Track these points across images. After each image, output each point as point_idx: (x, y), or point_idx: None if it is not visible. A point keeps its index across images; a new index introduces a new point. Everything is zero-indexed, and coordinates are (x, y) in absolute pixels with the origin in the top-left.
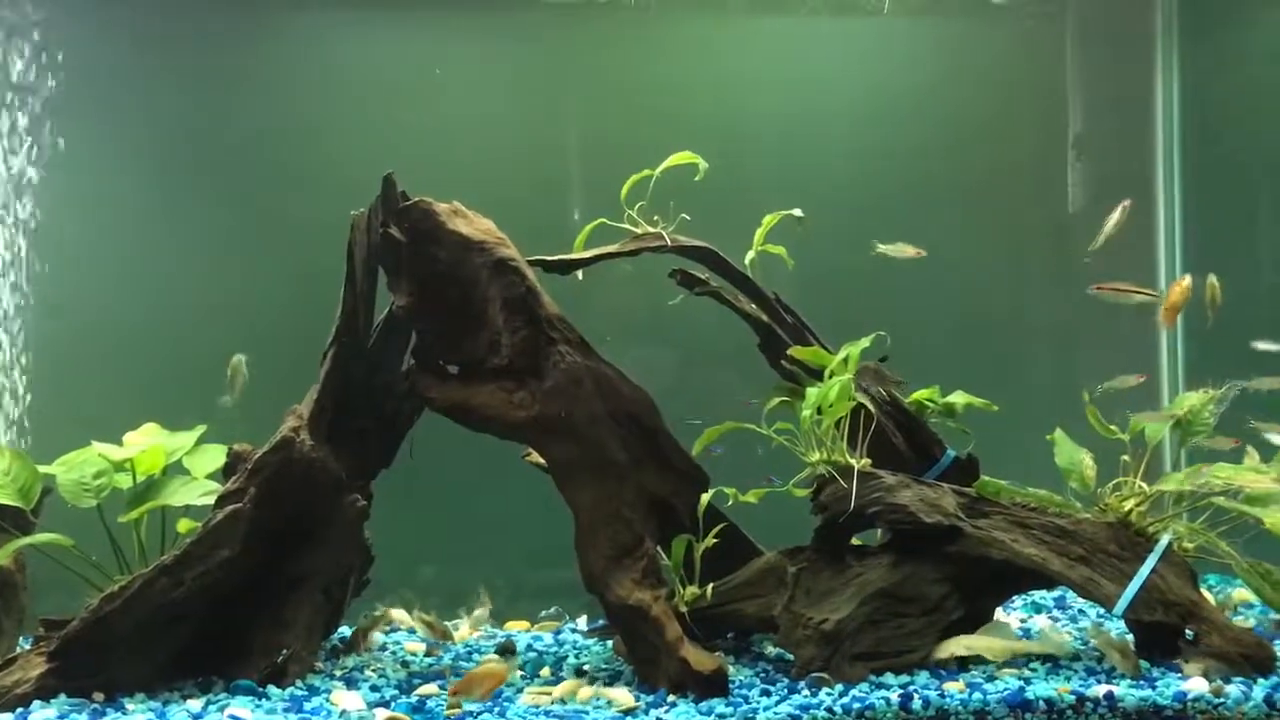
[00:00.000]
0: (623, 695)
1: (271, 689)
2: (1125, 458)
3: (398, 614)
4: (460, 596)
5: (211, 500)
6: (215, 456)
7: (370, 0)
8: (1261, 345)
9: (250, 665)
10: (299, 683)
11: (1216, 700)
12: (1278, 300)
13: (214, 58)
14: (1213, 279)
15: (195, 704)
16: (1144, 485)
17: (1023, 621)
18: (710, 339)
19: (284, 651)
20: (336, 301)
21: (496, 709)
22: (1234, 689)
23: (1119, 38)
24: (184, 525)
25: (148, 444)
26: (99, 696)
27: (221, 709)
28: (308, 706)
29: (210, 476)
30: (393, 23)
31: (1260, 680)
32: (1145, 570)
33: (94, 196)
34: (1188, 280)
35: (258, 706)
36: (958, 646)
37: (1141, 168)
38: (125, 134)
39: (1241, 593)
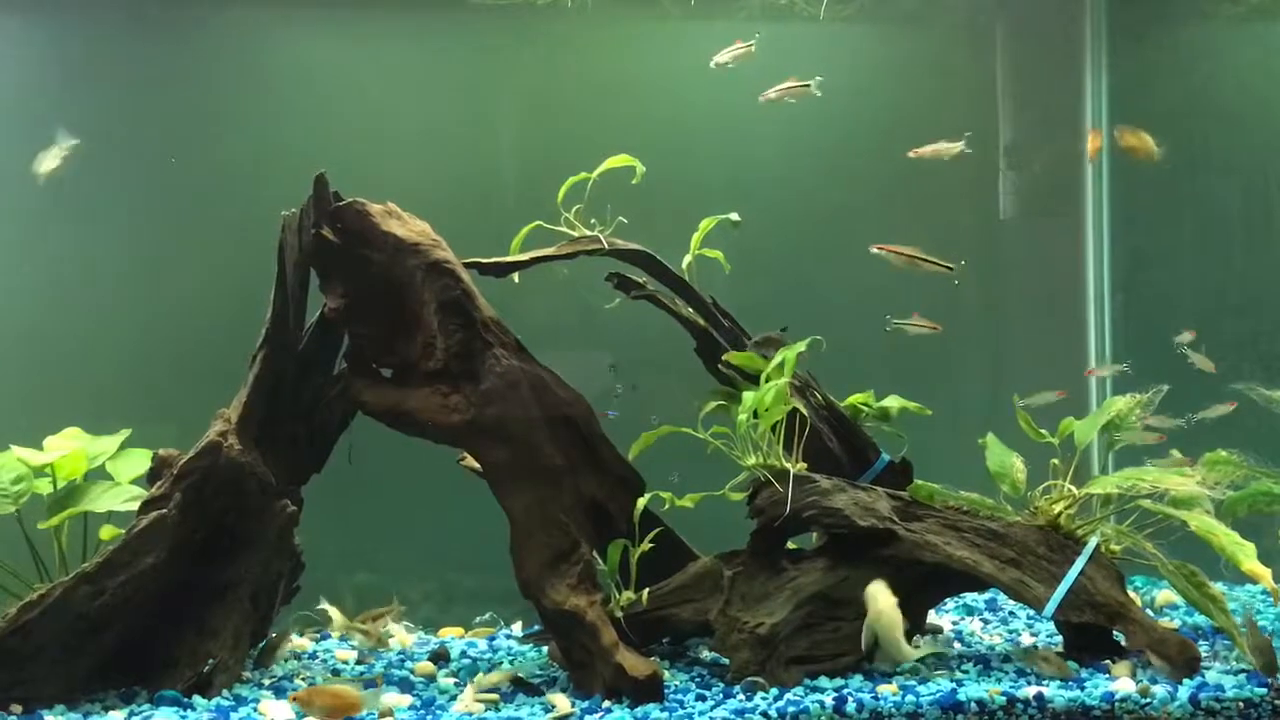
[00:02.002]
0: (560, 700)
1: (197, 699)
2: (1055, 461)
3: (332, 615)
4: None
5: (135, 506)
6: (140, 461)
7: None
8: (1186, 342)
9: (175, 675)
10: (225, 692)
11: (1143, 700)
12: (1205, 305)
13: (140, 53)
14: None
15: (118, 715)
16: (1073, 488)
17: (955, 624)
18: (647, 343)
19: (210, 661)
20: (268, 303)
21: (429, 717)
22: (1161, 689)
23: (1048, 46)
24: (107, 532)
25: (69, 448)
26: (17, 709)
27: None
28: (234, 717)
29: (134, 482)
30: (326, 21)
31: (1186, 680)
32: (1074, 572)
33: (9, 195)
34: (1100, 133)
35: (183, 717)
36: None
37: (1071, 174)
38: (43, 129)
39: (1167, 594)
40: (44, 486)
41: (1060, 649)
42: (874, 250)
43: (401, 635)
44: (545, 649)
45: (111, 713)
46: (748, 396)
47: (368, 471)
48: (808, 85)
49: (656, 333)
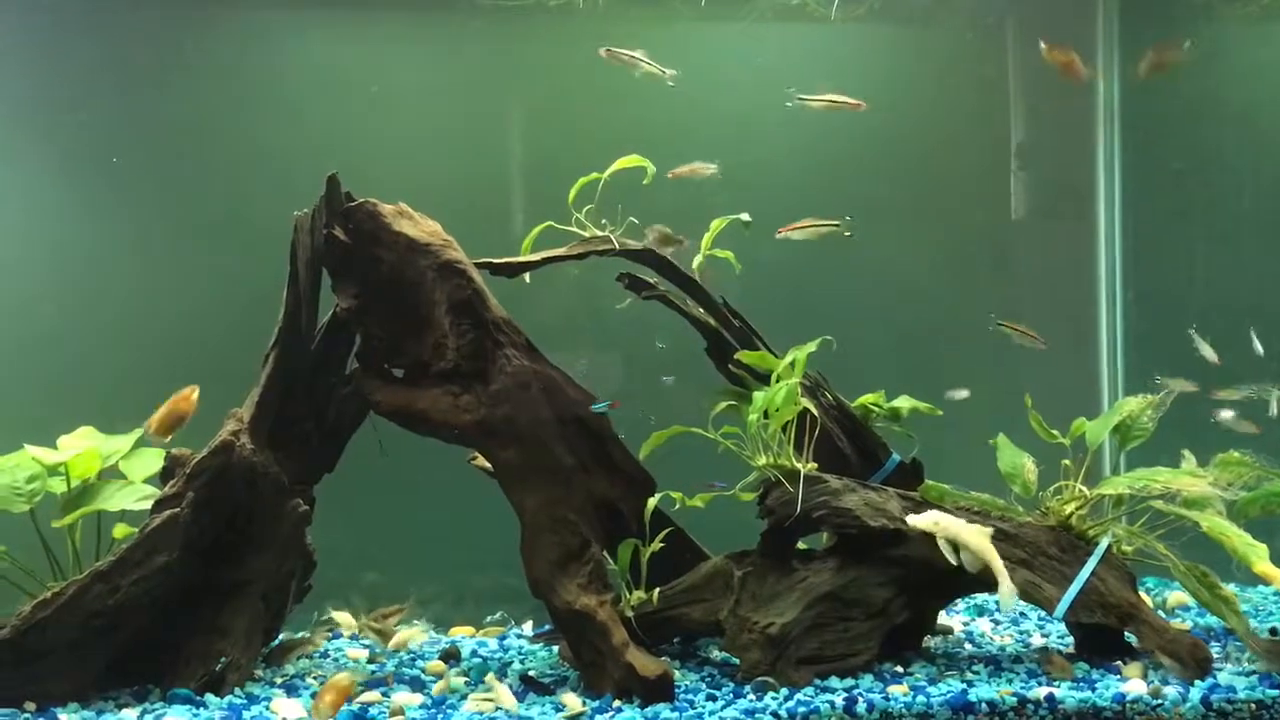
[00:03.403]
0: (571, 700)
1: (209, 697)
2: (1066, 462)
3: (341, 617)
4: (403, 602)
5: (148, 505)
6: (153, 460)
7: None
8: (1200, 343)
9: (188, 673)
10: (238, 691)
11: (1155, 701)
12: (1214, 306)
13: (153, 55)
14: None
15: (131, 713)
16: (1084, 489)
17: (966, 625)
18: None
19: (223, 659)
20: (279, 303)
21: (440, 716)
22: (1172, 690)
23: (1060, 47)
24: (120, 531)
25: (83, 447)
26: (30, 706)
27: (158, 718)
28: (247, 715)
29: (148, 481)
30: (338, 23)
31: (1197, 681)
32: (1085, 573)
33: (24, 194)
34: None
35: (195, 715)
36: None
37: (1082, 175)
38: (55, 129)
39: (1178, 595)
40: (58, 485)
41: (1072, 650)
42: (779, 236)
43: (405, 634)
44: (556, 648)
45: (125, 710)
46: (758, 396)
47: (379, 471)
48: (663, 72)
49: (666, 333)
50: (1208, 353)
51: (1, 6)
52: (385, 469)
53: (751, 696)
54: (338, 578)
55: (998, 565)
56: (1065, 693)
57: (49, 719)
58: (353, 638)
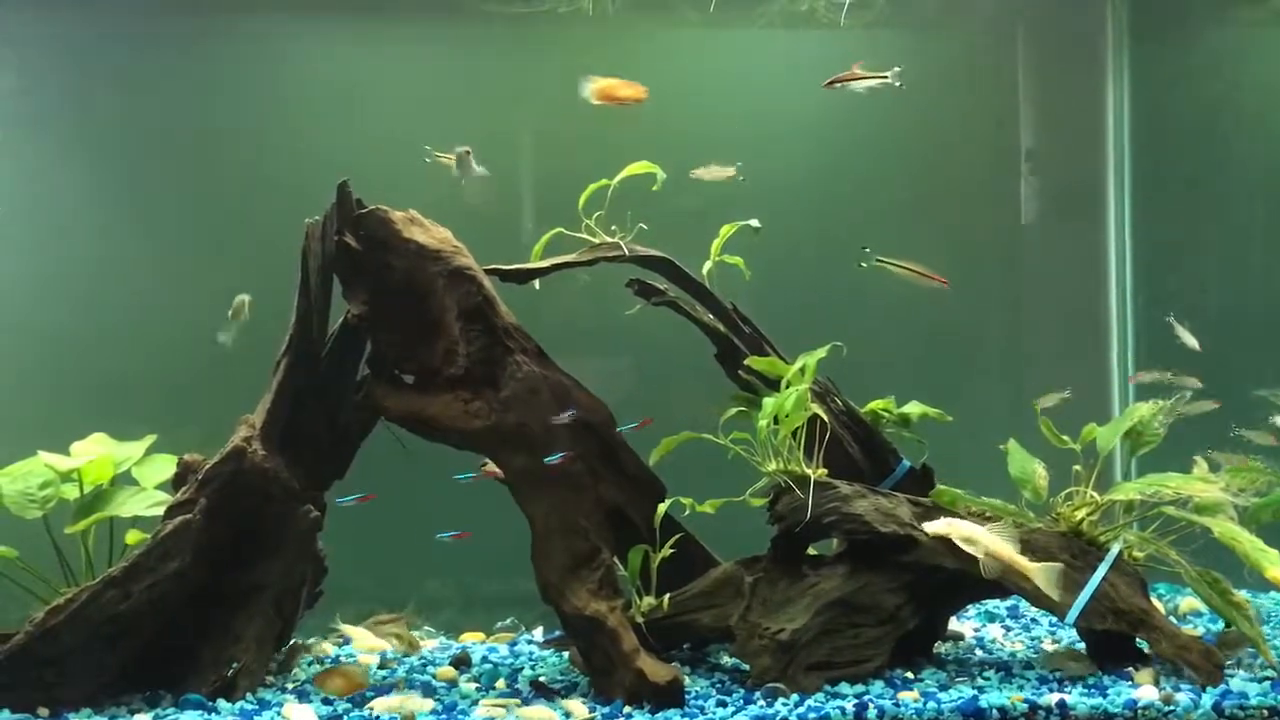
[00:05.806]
0: (578, 708)
1: (221, 703)
2: (1077, 467)
3: (353, 630)
4: (403, 609)
5: (161, 511)
6: (165, 467)
7: (326, 6)
8: (1181, 331)
9: (199, 679)
10: (249, 696)
11: (1166, 708)
12: (1225, 309)
13: (168, 61)
14: None
15: (143, 718)
16: (1095, 495)
17: (976, 631)
18: (667, 349)
19: (234, 664)
20: (291, 309)
21: None
22: (1184, 696)
23: (1070, 51)
24: (132, 537)
25: (95, 454)
26: (43, 712)
27: None
28: None
29: (160, 487)
30: (349, 29)
31: (1209, 687)
32: (1096, 579)
33: (37, 198)
34: None
35: None
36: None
37: (1092, 179)
38: (68, 135)
39: (1190, 601)
40: (71, 492)
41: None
42: (876, 261)
43: (374, 644)
44: (566, 654)
45: (136, 716)
46: (768, 402)
47: (388, 476)
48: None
49: (675, 337)
50: (1189, 340)
51: (5, 6)
52: (393, 475)
53: (762, 702)
54: (347, 583)
55: (1022, 563)
56: (1077, 699)
57: None
58: None
